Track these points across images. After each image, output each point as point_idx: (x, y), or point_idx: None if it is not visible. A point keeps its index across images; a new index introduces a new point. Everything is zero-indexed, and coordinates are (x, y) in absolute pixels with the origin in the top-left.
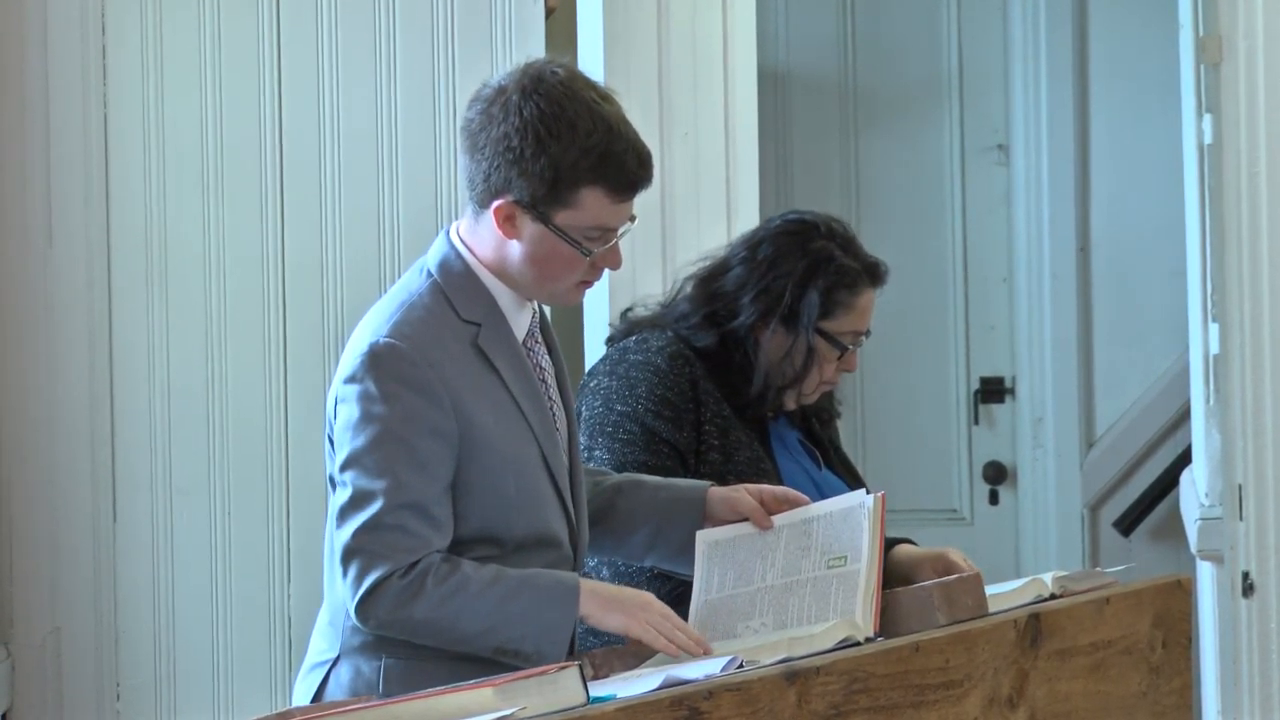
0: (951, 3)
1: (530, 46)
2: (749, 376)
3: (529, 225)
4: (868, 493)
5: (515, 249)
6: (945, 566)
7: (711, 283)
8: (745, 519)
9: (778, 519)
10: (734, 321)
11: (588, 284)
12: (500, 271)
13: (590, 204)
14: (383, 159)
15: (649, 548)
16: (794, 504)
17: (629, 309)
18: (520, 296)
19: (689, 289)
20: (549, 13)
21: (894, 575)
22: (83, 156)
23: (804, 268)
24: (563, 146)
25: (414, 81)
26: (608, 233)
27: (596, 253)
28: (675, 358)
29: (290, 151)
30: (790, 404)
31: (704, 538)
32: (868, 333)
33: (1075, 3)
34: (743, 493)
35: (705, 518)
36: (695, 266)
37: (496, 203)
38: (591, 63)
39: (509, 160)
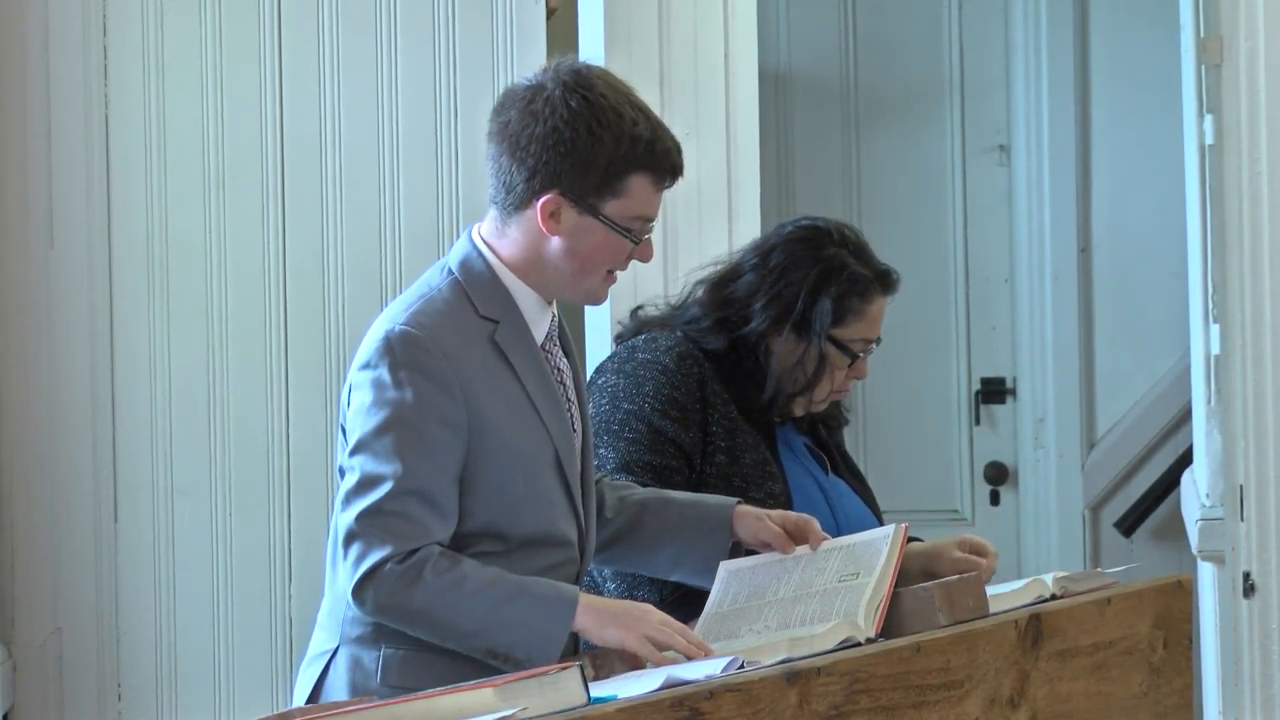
0: (953, 3)
1: (531, 47)
2: (758, 381)
3: (574, 218)
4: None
5: (554, 244)
6: (971, 546)
7: (723, 288)
8: (768, 544)
9: (801, 549)
10: (745, 327)
11: (613, 279)
12: (526, 272)
13: (638, 191)
14: (384, 159)
15: (674, 565)
16: (815, 534)
17: (639, 307)
18: (542, 299)
19: (700, 293)
20: (550, 13)
21: (914, 566)
22: (84, 157)
23: (816, 275)
24: (614, 135)
25: (415, 82)
26: (647, 223)
27: (642, 241)
28: (684, 358)
29: (291, 152)
30: (799, 411)
31: (726, 566)
32: (878, 340)
33: (1076, 4)
34: (766, 520)
35: (731, 536)
36: (706, 270)
37: (544, 198)
38: (593, 64)
39: (560, 153)
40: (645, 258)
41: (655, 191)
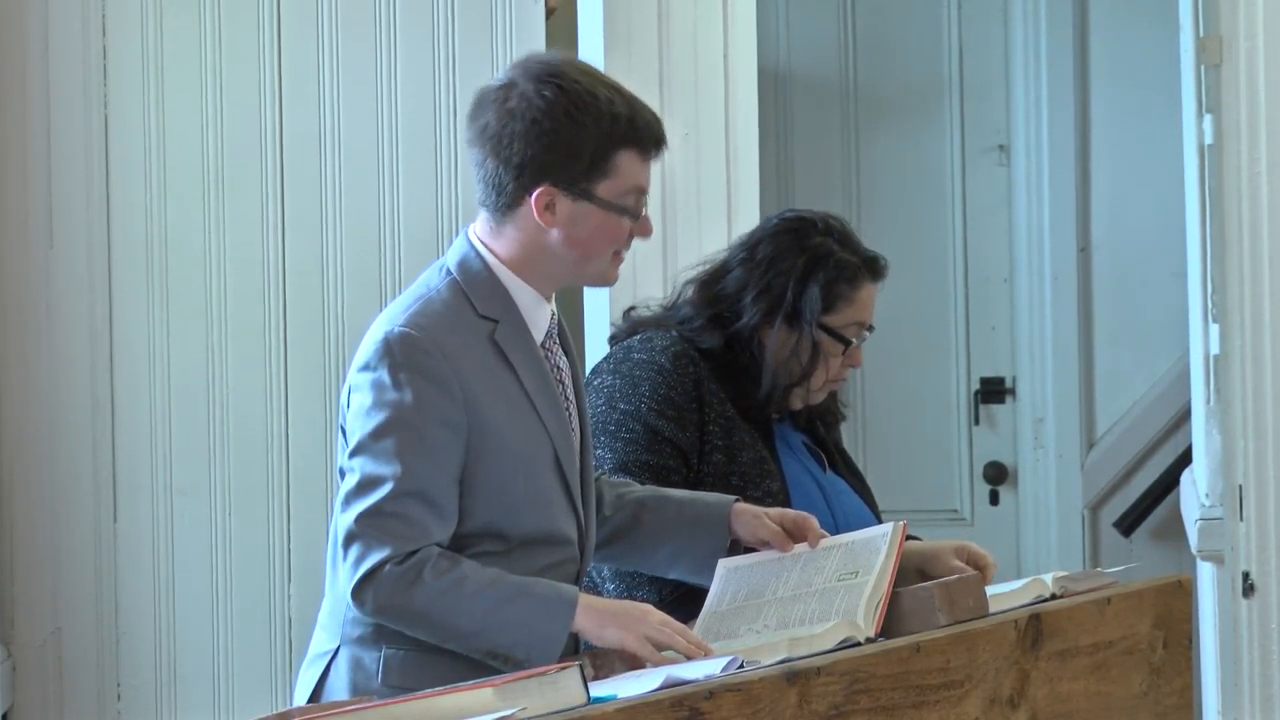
0: (952, 3)
1: (530, 46)
2: (755, 378)
3: (569, 206)
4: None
5: (554, 236)
6: (969, 555)
7: (712, 285)
8: (766, 542)
9: (800, 548)
10: (738, 323)
11: (620, 259)
12: (525, 268)
13: (626, 167)
14: (383, 159)
15: (673, 563)
16: (814, 532)
17: (632, 308)
18: (540, 295)
19: (690, 293)
20: (549, 13)
21: (909, 565)
22: (83, 158)
23: (803, 264)
24: (594, 117)
25: (414, 82)
26: (642, 195)
27: (642, 215)
28: (680, 357)
29: (291, 152)
30: (797, 403)
31: (725, 564)
32: (871, 328)
33: (1076, 3)
34: (764, 518)
35: (729, 534)
36: (695, 270)
37: (536, 192)
38: (592, 63)
39: (545, 145)
40: (645, 233)
41: (643, 164)
